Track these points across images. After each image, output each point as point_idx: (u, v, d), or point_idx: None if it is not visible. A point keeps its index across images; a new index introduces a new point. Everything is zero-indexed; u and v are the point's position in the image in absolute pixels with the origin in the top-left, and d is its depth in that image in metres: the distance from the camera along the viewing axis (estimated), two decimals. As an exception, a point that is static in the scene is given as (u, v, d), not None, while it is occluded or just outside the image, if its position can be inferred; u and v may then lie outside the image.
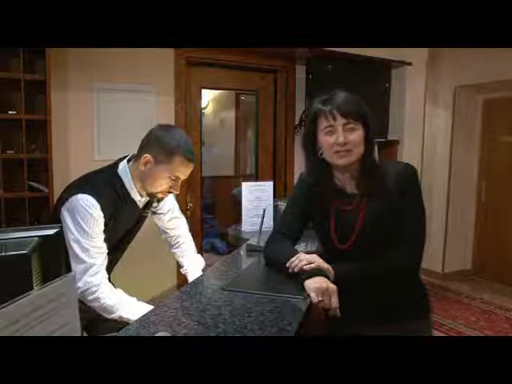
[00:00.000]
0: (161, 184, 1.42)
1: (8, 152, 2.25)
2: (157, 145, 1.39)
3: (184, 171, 1.42)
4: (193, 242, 1.86)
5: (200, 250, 2.67)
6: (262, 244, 1.85)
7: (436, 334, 3.18)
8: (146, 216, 1.65)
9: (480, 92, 4.27)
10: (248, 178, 4.45)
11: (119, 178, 1.45)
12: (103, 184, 1.42)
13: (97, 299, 1.34)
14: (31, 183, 2.28)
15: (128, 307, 1.35)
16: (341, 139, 1.17)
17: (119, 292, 1.39)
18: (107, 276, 1.40)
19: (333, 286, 1.13)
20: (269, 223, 2.27)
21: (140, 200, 1.52)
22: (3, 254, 0.92)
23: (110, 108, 2.64)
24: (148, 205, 1.61)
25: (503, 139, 4.25)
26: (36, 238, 1.02)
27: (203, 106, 4.24)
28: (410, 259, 1.23)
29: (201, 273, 1.74)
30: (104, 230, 1.40)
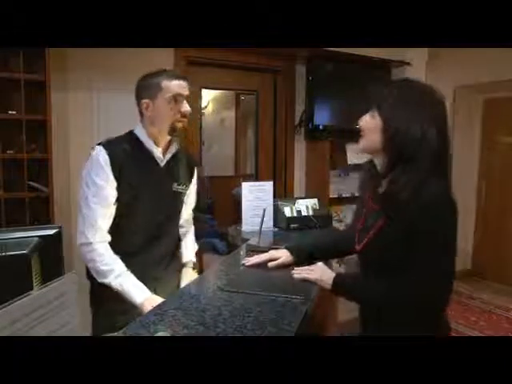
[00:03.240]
0: (169, 113, 1.44)
1: (8, 152, 2.25)
2: (144, 88, 1.46)
3: (179, 87, 1.44)
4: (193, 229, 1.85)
5: (200, 250, 2.66)
6: (262, 244, 1.86)
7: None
8: (181, 193, 1.60)
9: (480, 92, 4.27)
10: (248, 178, 4.44)
11: (134, 134, 1.50)
12: (118, 139, 1.48)
13: (92, 260, 1.37)
14: (31, 183, 2.28)
15: (121, 277, 1.35)
16: (359, 121, 1.13)
17: (116, 260, 1.38)
18: (108, 239, 1.40)
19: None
20: (269, 223, 2.27)
21: (160, 157, 1.49)
22: (3, 254, 0.93)
23: (110, 108, 2.64)
24: (173, 170, 1.55)
25: (503, 139, 4.25)
26: (36, 238, 1.03)
27: (203, 105, 4.24)
28: (408, 303, 1.04)
29: (194, 256, 1.74)
30: (118, 188, 1.39)
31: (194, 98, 3.10)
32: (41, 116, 2.24)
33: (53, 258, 1.06)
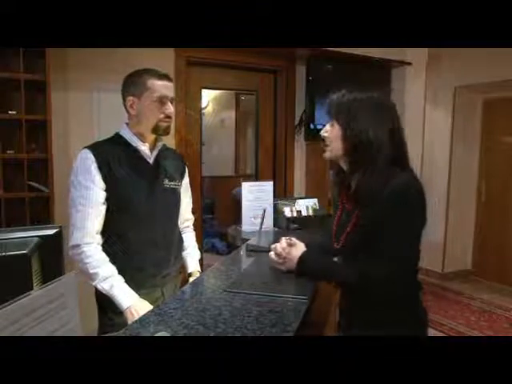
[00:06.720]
0: (153, 112, 1.45)
1: (8, 152, 2.25)
2: (130, 85, 1.47)
3: (163, 87, 1.45)
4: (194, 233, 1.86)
5: (200, 250, 2.66)
6: (262, 244, 1.86)
7: (436, 334, 3.18)
8: (174, 189, 1.58)
9: (480, 92, 4.27)
10: (248, 178, 4.45)
11: (120, 134, 1.51)
12: (104, 140, 1.51)
13: (80, 262, 1.36)
14: (31, 183, 2.28)
15: (107, 281, 1.34)
16: (321, 133, 1.23)
17: (104, 263, 1.37)
18: (97, 240, 1.39)
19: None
20: (269, 223, 2.27)
21: (147, 154, 1.49)
22: (3, 254, 0.93)
23: (110, 108, 2.64)
24: (163, 166, 1.54)
25: (503, 139, 4.25)
26: (36, 238, 1.03)
27: (203, 105, 4.24)
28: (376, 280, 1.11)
29: (198, 265, 1.72)
30: (107, 189, 1.39)
31: (194, 98, 3.10)
32: (41, 116, 2.24)
33: (53, 258, 1.06)
